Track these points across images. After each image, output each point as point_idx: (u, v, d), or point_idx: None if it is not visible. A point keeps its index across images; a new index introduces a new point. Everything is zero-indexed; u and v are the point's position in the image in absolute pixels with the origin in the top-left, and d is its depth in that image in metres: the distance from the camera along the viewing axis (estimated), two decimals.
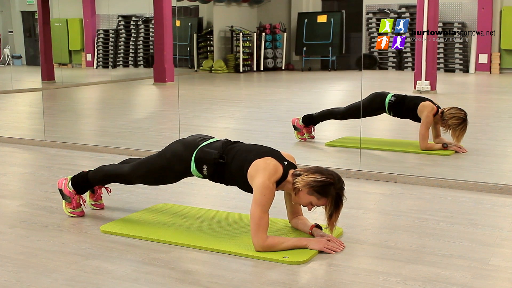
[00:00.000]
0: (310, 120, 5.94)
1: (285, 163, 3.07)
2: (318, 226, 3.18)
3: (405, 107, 5.58)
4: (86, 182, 3.56)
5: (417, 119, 5.54)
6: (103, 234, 3.32)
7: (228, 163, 3.13)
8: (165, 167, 3.30)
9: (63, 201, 3.59)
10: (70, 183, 3.56)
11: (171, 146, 3.33)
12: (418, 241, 3.17)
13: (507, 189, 4.12)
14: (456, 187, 4.23)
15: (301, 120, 5.93)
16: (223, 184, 3.27)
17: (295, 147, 5.85)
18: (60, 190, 3.58)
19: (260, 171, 2.97)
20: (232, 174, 3.13)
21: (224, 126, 7.55)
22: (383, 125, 5.91)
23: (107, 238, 3.26)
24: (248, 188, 3.10)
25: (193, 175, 3.27)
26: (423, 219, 3.55)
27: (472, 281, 2.66)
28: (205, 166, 3.17)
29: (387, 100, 5.62)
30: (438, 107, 5.45)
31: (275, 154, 3.11)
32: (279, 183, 3.03)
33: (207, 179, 3.26)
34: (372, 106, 5.67)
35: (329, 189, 2.95)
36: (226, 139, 3.30)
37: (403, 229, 3.38)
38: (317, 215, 3.24)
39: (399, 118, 5.76)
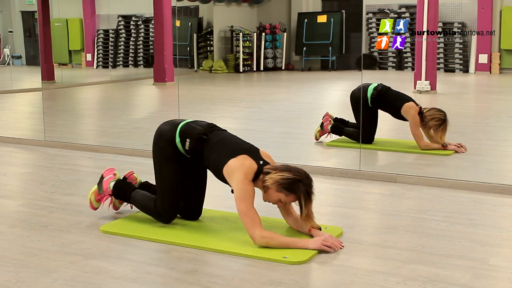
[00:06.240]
0: (338, 132, 5.89)
1: (261, 162, 3.14)
2: (316, 227, 3.18)
3: (388, 103, 5.58)
4: (125, 199, 3.56)
5: (398, 117, 5.60)
6: (103, 234, 3.32)
7: (210, 143, 3.23)
8: (164, 164, 3.33)
9: (96, 186, 3.59)
10: (113, 183, 3.55)
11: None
12: (418, 241, 3.17)
13: (507, 189, 4.12)
14: (456, 187, 4.23)
15: (330, 126, 5.86)
16: (201, 166, 3.35)
17: (295, 147, 5.85)
18: (102, 178, 3.60)
19: (237, 170, 3.07)
20: (210, 162, 3.24)
21: (224, 126, 7.49)
22: (383, 125, 5.91)
23: (107, 238, 3.26)
24: (222, 180, 3.22)
25: (186, 160, 3.31)
26: (423, 219, 3.55)
27: (472, 281, 2.66)
28: (188, 140, 3.28)
29: (369, 95, 5.63)
30: (420, 107, 5.50)
31: (253, 153, 3.18)
32: (253, 181, 3.11)
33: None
34: (359, 108, 5.68)
35: (297, 186, 3.03)
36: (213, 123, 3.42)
37: (403, 229, 3.38)
38: (317, 215, 3.24)
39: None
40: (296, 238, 3.06)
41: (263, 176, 3.09)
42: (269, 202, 3.16)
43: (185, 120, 3.44)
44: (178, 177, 3.36)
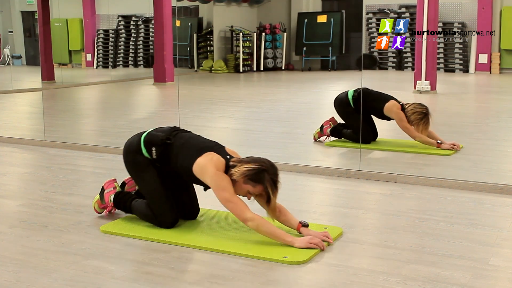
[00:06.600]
0: (337, 134, 5.91)
1: (228, 157, 3.20)
2: (304, 225, 3.20)
3: (369, 105, 5.60)
4: (125, 209, 3.55)
5: (383, 117, 5.66)
6: (103, 234, 3.32)
7: (175, 147, 3.27)
8: (142, 175, 3.38)
9: (98, 196, 3.60)
10: (113, 196, 3.56)
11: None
12: (418, 241, 3.17)
13: (507, 189, 4.12)
14: (456, 187, 4.23)
15: (329, 130, 5.89)
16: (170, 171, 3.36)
17: (295, 147, 5.85)
18: (102, 190, 3.60)
19: (207, 166, 3.14)
20: (178, 165, 3.27)
21: (224, 126, 7.54)
22: (383, 125, 5.91)
23: (107, 238, 3.26)
24: (193, 180, 3.27)
25: (157, 166, 3.34)
26: (423, 219, 3.55)
27: (472, 281, 2.66)
28: (153, 148, 3.32)
29: (350, 97, 5.71)
30: (402, 104, 5.56)
31: (218, 149, 3.25)
32: None
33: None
34: (345, 111, 5.76)
35: (262, 175, 3.07)
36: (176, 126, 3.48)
37: (403, 229, 3.38)
38: (317, 215, 3.24)
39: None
40: (285, 232, 3.09)
41: (229, 170, 3.14)
42: (239, 195, 3.19)
43: (147, 130, 3.46)
44: (161, 181, 3.37)
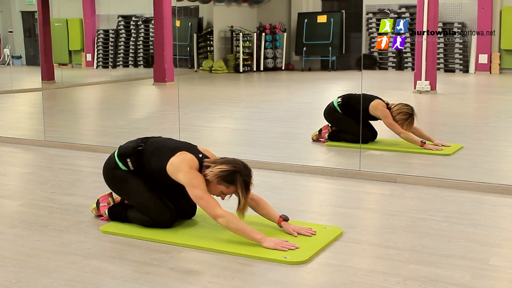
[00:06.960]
0: (335, 138, 5.91)
1: (200, 155, 3.26)
2: (285, 219, 3.25)
3: (355, 107, 5.62)
4: (122, 221, 3.53)
5: (370, 118, 5.70)
6: (103, 234, 3.32)
7: (147, 152, 3.32)
8: (127, 186, 3.39)
9: (95, 204, 3.62)
10: (107, 210, 3.55)
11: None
12: (418, 241, 3.17)
13: (507, 189, 4.12)
14: (456, 187, 4.23)
15: (327, 134, 5.90)
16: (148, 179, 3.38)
17: (295, 147, 5.85)
18: (98, 202, 3.61)
19: (181, 164, 3.19)
20: (152, 168, 3.31)
21: (224, 126, 7.55)
22: (383, 125, 5.91)
23: (107, 238, 3.26)
24: (168, 182, 3.27)
25: (137, 176, 3.36)
26: (423, 219, 3.55)
27: (472, 281, 2.66)
28: (128, 160, 3.38)
29: (336, 104, 5.81)
30: (387, 103, 5.61)
31: (191, 149, 3.30)
32: None
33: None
34: (335, 118, 5.84)
35: (235, 176, 3.12)
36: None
37: (403, 229, 3.38)
38: (317, 215, 3.23)
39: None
40: (255, 230, 3.10)
41: (203, 170, 3.19)
42: (213, 195, 3.21)
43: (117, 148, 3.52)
44: (146, 184, 3.37)
